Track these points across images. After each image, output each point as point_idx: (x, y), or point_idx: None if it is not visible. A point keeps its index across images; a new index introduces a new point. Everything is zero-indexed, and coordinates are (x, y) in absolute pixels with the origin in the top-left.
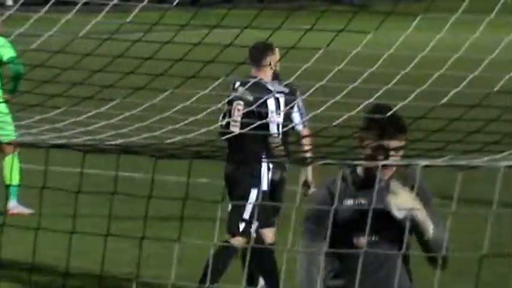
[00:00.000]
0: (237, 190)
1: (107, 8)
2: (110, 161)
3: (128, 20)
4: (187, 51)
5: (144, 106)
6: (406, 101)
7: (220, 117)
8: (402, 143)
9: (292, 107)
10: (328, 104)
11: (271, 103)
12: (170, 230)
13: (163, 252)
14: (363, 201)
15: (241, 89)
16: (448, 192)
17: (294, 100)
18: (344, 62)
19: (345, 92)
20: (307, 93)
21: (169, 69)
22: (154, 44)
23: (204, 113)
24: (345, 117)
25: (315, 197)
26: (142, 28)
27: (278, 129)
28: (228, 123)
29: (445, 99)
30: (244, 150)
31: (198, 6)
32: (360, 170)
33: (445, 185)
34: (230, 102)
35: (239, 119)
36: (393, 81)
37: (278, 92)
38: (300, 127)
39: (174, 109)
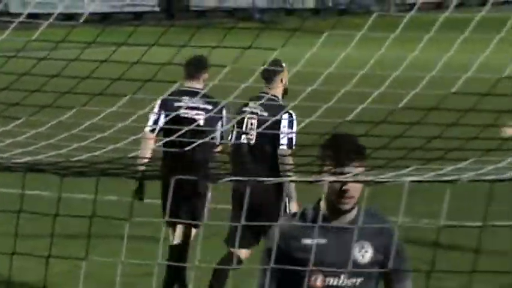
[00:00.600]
0: (265, 205)
1: (13, 25)
2: (17, 179)
3: (34, 37)
4: (94, 69)
5: (50, 124)
6: (313, 117)
7: (230, 134)
8: (361, 169)
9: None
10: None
11: (284, 120)
12: (77, 248)
13: (70, 270)
14: (323, 241)
15: (252, 105)
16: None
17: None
18: (252, 79)
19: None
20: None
21: (76, 86)
22: (61, 62)
23: (111, 130)
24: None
25: (271, 236)
26: (49, 45)
27: (289, 144)
28: (238, 137)
29: (351, 116)
30: (260, 164)
31: (106, 23)
32: (322, 205)
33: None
34: (241, 118)
35: (252, 132)
36: (299, 98)
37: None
38: (284, 147)
39: (81, 127)
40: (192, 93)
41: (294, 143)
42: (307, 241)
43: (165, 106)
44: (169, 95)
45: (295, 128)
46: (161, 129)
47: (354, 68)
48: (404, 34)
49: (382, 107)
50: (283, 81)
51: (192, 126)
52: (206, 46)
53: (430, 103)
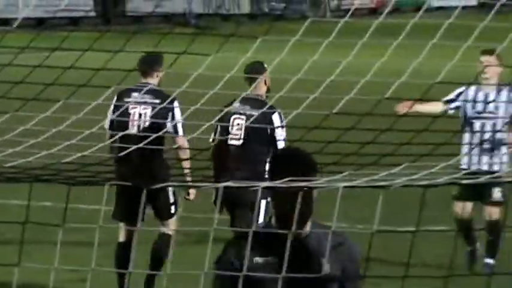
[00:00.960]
0: (245, 202)
1: None
2: None
3: None
4: (27, 74)
5: None
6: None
7: (212, 134)
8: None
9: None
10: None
11: (276, 118)
12: (11, 254)
13: (3, 277)
14: (272, 260)
15: (238, 105)
16: None
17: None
18: (185, 85)
19: (187, 114)
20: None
21: (9, 91)
22: None
23: (45, 135)
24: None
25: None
26: None
27: (285, 140)
28: (223, 139)
29: (286, 120)
30: (249, 164)
31: (40, 28)
32: (273, 221)
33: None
34: (224, 118)
35: (239, 132)
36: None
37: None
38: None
39: (15, 132)
40: (143, 88)
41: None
42: (259, 259)
43: (118, 102)
44: (122, 91)
45: (284, 124)
46: (117, 127)
47: (288, 74)
48: (339, 40)
49: (316, 113)
50: (267, 82)
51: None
52: (142, 51)
53: (364, 108)
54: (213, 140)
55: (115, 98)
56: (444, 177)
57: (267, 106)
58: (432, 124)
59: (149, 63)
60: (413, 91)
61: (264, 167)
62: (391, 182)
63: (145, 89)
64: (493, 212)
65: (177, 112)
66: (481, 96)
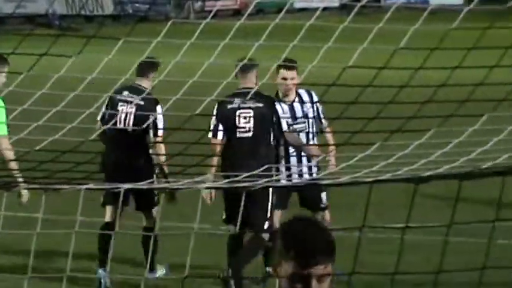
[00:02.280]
0: (257, 191)
1: None
2: None
3: None
4: None
5: None
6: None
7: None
8: (329, 270)
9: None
10: (31, 128)
11: (279, 107)
12: None
13: None
14: None
15: (238, 100)
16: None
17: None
18: (46, 87)
19: (48, 116)
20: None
21: None
22: None
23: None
24: (47, 141)
25: None
26: None
27: (289, 126)
28: (231, 133)
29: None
30: (259, 153)
31: None
32: None
33: None
34: (227, 114)
35: (248, 125)
36: (95, 106)
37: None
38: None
39: None
40: (134, 89)
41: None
42: None
43: (110, 101)
44: (118, 88)
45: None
46: (106, 122)
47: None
48: (203, 41)
49: (179, 114)
50: (257, 77)
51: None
52: (2, 53)
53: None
54: (213, 137)
55: (111, 92)
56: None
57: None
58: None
59: (143, 67)
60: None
61: (271, 154)
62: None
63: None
64: (328, 217)
65: (159, 111)
66: (286, 108)
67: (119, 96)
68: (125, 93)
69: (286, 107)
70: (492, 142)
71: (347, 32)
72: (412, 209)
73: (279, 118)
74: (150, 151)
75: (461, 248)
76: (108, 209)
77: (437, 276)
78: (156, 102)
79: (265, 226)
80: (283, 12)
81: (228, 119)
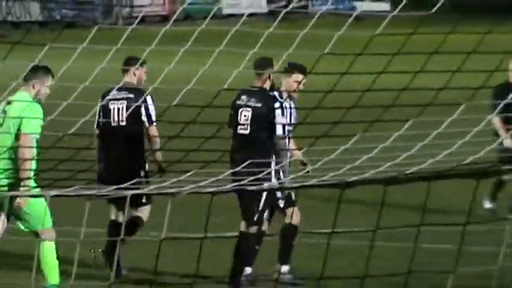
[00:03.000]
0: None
1: None
2: None
3: None
4: None
5: None
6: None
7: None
8: None
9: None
10: None
11: (279, 111)
12: None
13: None
14: None
15: (244, 98)
16: None
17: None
18: None
19: None
20: None
21: None
22: None
23: None
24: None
25: None
26: None
27: (284, 130)
28: (234, 129)
29: (74, 129)
30: (253, 150)
31: None
32: None
33: None
34: (235, 109)
35: (247, 122)
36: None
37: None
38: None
39: None
40: (121, 87)
41: (286, 129)
42: None
43: (102, 106)
44: (105, 91)
45: (286, 115)
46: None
47: (76, 81)
48: (131, 46)
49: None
50: (271, 77)
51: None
52: None
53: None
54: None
55: (99, 99)
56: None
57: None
58: (221, 129)
59: (125, 63)
60: (199, 97)
61: (267, 153)
62: (180, 189)
63: (117, 86)
64: (296, 217)
65: (150, 101)
66: (289, 112)
67: (108, 97)
68: (113, 92)
69: (290, 111)
70: (417, 147)
71: (274, 38)
72: (338, 214)
73: (274, 118)
74: (144, 146)
75: (387, 253)
76: (112, 208)
77: (362, 281)
78: (145, 93)
79: (254, 218)
80: (208, 18)
81: (235, 114)
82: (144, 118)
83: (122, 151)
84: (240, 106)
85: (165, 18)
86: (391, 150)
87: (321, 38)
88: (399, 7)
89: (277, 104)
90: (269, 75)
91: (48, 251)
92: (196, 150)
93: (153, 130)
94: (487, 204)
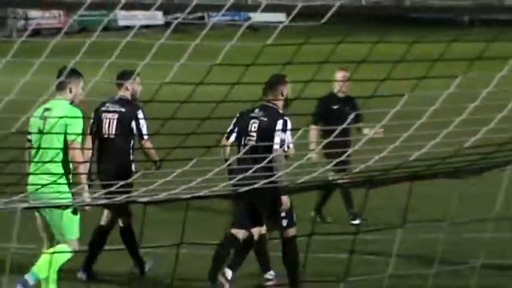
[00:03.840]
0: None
1: None
2: None
3: None
4: None
5: None
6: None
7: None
8: None
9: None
10: None
11: (279, 123)
12: None
13: None
14: None
15: (257, 111)
16: None
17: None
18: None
19: None
20: None
21: None
22: None
23: None
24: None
25: None
26: None
27: (281, 145)
28: (243, 139)
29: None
30: (255, 160)
31: None
32: None
33: None
34: (246, 122)
35: (254, 134)
36: None
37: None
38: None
39: None
40: (116, 100)
41: (286, 144)
42: None
43: (96, 112)
44: (100, 104)
45: (288, 132)
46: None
47: None
48: (25, 59)
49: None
50: (284, 94)
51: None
52: None
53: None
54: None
55: (93, 111)
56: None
57: (283, 115)
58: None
59: (120, 77)
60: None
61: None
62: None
63: (111, 99)
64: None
65: (140, 115)
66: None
67: (102, 108)
68: (107, 104)
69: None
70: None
71: (170, 49)
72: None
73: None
74: (132, 157)
75: (278, 263)
76: (105, 213)
77: None
78: (137, 108)
79: (284, 224)
80: (99, 30)
81: (245, 126)
82: (135, 132)
83: (111, 162)
84: (251, 118)
85: (59, 31)
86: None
87: (217, 49)
88: (289, 18)
89: (280, 121)
90: (281, 93)
91: (56, 262)
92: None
93: (147, 144)
94: (355, 221)
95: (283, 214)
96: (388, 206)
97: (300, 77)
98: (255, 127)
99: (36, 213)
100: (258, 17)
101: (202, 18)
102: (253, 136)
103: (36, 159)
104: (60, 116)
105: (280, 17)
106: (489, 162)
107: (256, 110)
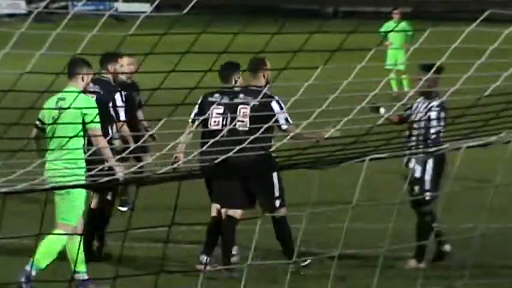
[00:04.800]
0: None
1: None
2: None
3: None
4: None
5: None
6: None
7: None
8: None
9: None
10: None
11: (275, 106)
12: None
13: None
14: None
15: (242, 96)
16: None
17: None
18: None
19: None
20: None
21: None
22: None
23: None
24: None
25: None
26: None
27: (288, 123)
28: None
29: None
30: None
31: None
32: None
33: None
34: (233, 108)
35: (246, 119)
36: None
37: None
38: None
39: None
40: (97, 80)
41: (290, 120)
42: None
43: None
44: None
45: (285, 108)
46: None
47: None
48: None
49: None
50: (265, 76)
51: None
52: None
53: None
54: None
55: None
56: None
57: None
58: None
59: (101, 61)
60: None
61: (266, 147)
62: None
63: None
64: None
65: (118, 99)
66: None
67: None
68: (90, 85)
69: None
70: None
71: (33, 38)
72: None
73: (273, 115)
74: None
75: (140, 252)
76: (95, 196)
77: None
78: (115, 91)
79: (277, 204)
80: None
81: (232, 112)
82: (112, 113)
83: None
84: (238, 104)
85: None
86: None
87: (81, 38)
88: (151, 8)
89: (274, 102)
90: (263, 75)
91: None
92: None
93: (123, 128)
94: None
95: (276, 194)
96: None
97: (165, 67)
98: (244, 112)
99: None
100: (123, 7)
101: (66, 7)
102: (243, 121)
103: (52, 147)
104: (77, 107)
105: (145, 7)
106: (347, 154)
107: (241, 95)
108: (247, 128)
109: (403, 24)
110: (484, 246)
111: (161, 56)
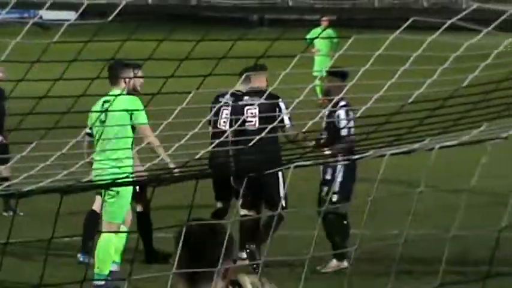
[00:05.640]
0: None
1: None
2: None
3: None
4: None
5: None
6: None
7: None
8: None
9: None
10: None
11: (283, 106)
12: None
13: None
14: None
15: (247, 98)
16: None
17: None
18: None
19: None
20: None
21: None
22: None
23: None
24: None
25: None
26: None
27: (292, 124)
28: (242, 124)
29: None
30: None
31: None
32: None
33: None
34: (239, 109)
35: (254, 119)
36: None
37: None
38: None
39: None
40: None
41: (291, 121)
42: None
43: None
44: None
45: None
46: None
47: None
48: None
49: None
50: (267, 81)
51: None
52: None
53: None
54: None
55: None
56: None
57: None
58: None
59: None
60: None
61: (275, 146)
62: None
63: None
64: None
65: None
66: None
67: (242, 102)
68: (246, 98)
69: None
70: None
71: None
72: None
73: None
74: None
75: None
76: (97, 199)
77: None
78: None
79: (283, 203)
80: None
81: (237, 113)
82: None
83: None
84: (244, 105)
85: None
86: (69, 158)
87: (5, 45)
88: (76, 15)
89: (282, 103)
90: (266, 79)
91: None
92: None
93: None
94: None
95: (282, 194)
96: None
97: (86, 74)
98: (252, 113)
99: (97, 196)
100: (48, 15)
101: None
102: (251, 122)
103: (99, 148)
104: (125, 109)
105: (71, 15)
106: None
107: (246, 98)
108: (255, 128)
109: (329, 32)
110: (408, 252)
111: (84, 63)
